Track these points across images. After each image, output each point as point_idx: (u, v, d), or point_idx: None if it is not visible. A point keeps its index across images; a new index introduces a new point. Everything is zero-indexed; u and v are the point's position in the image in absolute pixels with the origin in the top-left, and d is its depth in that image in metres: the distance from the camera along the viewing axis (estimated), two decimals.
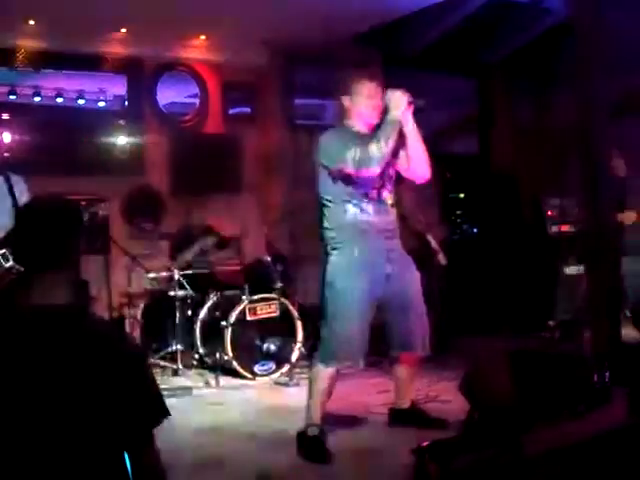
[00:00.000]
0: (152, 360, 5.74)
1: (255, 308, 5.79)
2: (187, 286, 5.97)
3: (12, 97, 6.77)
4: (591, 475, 2.81)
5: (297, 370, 5.65)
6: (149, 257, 6.51)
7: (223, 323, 5.66)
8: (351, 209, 3.90)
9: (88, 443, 1.75)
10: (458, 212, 7.95)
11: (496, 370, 3.33)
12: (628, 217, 5.84)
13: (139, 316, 6.31)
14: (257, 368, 5.71)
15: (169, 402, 1.92)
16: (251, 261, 6.46)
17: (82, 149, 6.90)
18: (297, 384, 5.41)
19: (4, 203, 4.08)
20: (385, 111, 3.84)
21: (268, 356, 5.76)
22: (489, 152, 8.86)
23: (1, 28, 6.10)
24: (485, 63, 8.68)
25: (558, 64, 7.34)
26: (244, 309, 5.73)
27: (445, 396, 4.65)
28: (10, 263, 3.47)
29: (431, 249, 5.90)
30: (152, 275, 6.16)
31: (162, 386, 2.50)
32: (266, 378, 5.70)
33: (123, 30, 6.68)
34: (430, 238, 5.96)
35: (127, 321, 6.26)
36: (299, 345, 5.82)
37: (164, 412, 1.86)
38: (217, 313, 5.86)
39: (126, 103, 7.27)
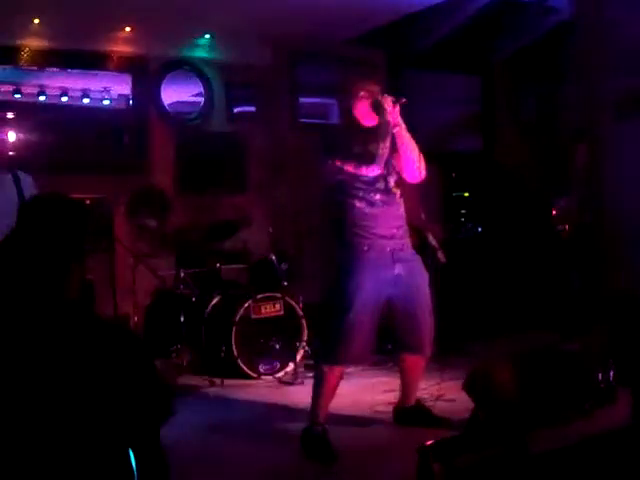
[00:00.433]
0: (157, 359, 5.74)
1: (260, 307, 5.78)
2: (192, 285, 5.97)
3: (17, 96, 6.76)
4: (596, 474, 2.80)
5: (302, 369, 5.65)
6: (154, 256, 6.52)
7: (228, 322, 5.66)
8: (357, 204, 3.91)
9: (94, 438, 1.76)
10: (462, 211, 7.93)
11: (500, 369, 3.33)
12: None
13: (144, 315, 6.32)
14: (262, 367, 5.70)
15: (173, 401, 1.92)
16: (256, 260, 6.47)
17: (87, 148, 6.91)
18: (302, 383, 5.41)
19: (11, 203, 4.05)
20: (378, 113, 3.87)
21: (273, 355, 5.76)
22: (493, 150, 8.85)
23: (5, 27, 6.10)
24: (490, 61, 8.67)
25: (563, 62, 7.34)
26: (249, 308, 5.72)
27: (450, 395, 4.63)
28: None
29: (431, 246, 5.88)
30: (157, 274, 6.15)
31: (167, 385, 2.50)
32: (271, 377, 5.69)
33: (128, 29, 6.68)
34: (430, 236, 5.94)
35: (132, 320, 6.27)
36: (304, 344, 5.83)
37: (170, 410, 1.87)
38: (222, 312, 5.86)
39: (131, 102, 7.28)
